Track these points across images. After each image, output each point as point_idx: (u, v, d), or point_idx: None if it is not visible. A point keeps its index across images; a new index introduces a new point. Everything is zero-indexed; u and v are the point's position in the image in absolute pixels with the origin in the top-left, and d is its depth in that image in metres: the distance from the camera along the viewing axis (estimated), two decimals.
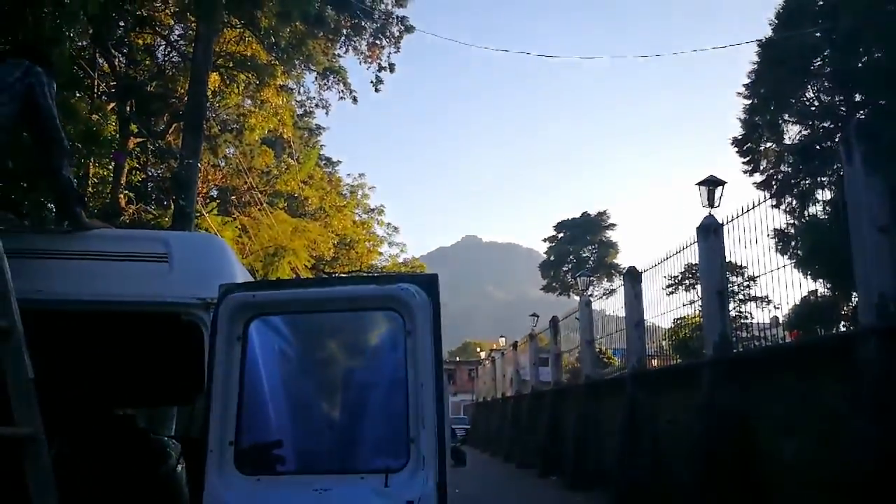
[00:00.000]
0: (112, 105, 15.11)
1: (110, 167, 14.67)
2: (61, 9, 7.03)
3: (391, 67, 19.32)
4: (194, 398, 5.54)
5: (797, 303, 11.72)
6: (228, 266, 3.66)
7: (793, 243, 19.75)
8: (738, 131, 25.44)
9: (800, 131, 23.66)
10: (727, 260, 10.96)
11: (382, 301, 3.07)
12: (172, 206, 14.73)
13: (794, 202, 22.32)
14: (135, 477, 4.33)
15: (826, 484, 7.56)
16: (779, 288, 9.48)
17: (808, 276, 17.01)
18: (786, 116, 23.78)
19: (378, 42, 19.32)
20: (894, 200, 7.29)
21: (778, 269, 9.71)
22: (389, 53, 19.33)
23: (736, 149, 25.45)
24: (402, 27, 19.19)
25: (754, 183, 24.79)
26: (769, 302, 11.14)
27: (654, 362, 15.09)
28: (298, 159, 26.93)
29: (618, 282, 20.82)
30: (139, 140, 16.53)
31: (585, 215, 59.07)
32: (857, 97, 22.04)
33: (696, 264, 11.76)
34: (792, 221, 21.26)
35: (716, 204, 11.13)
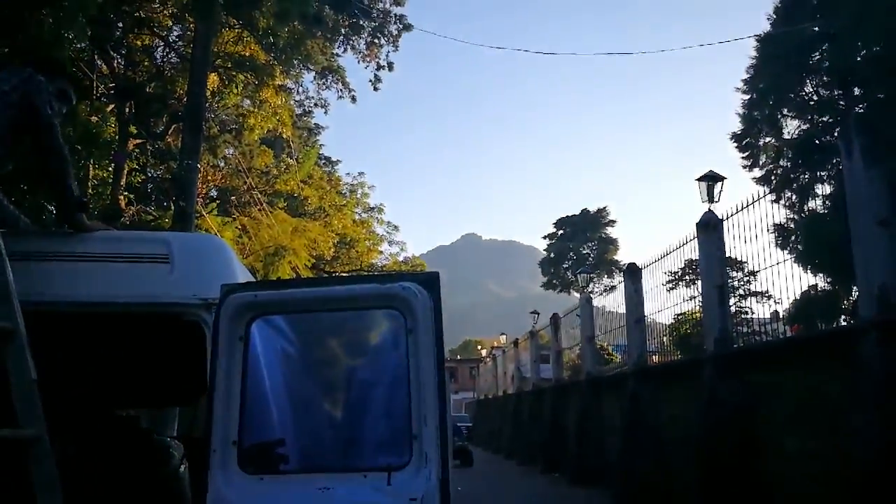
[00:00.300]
0: (111, 107, 15.09)
1: (110, 169, 14.68)
2: (60, 11, 7.03)
3: (390, 66, 19.38)
4: (197, 398, 5.54)
5: (797, 297, 11.72)
6: (229, 266, 3.67)
7: (793, 238, 19.79)
8: (737, 126, 25.50)
9: (799, 126, 23.69)
10: (727, 255, 10.96)
11: (384, 300, 3.07)
12: (172, 207, 14.76)
13: (794, 197, 22.35)
14: (138, 478, 4.34)
15: (828, 477, 7.58)
16: (779, 282, 9.49)
17: (809, 271, 17.08)
18: (785, 111, 23.78)
19: (376, 41, 19.36)
20: (894, 194, 7.29)
21: (778, 263, 9.70)
22: (388, 52, 19.41)
23: (735, 144, 25.46)
24: (401, 26, 19.24)
25: (754, 178, 24.83)
26: (769, 297, 11.13)
27: (655, 358, 15.10)
28: (298, 159, 26.88)
29: (618, 278, 20.81)
30: (138, 141, 16.52)
31: (585, 212, 59.18)
32: (856, 91, 22.04)
33: (696, 260, 11.77)
34: (792, 216, 21.30)
35: (715, 199, 11.16)
